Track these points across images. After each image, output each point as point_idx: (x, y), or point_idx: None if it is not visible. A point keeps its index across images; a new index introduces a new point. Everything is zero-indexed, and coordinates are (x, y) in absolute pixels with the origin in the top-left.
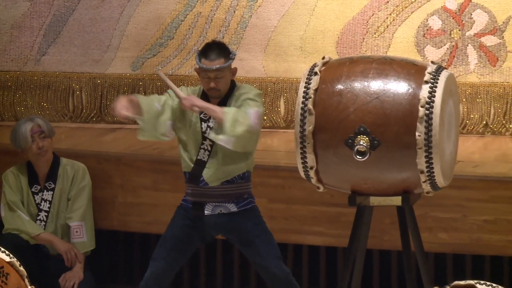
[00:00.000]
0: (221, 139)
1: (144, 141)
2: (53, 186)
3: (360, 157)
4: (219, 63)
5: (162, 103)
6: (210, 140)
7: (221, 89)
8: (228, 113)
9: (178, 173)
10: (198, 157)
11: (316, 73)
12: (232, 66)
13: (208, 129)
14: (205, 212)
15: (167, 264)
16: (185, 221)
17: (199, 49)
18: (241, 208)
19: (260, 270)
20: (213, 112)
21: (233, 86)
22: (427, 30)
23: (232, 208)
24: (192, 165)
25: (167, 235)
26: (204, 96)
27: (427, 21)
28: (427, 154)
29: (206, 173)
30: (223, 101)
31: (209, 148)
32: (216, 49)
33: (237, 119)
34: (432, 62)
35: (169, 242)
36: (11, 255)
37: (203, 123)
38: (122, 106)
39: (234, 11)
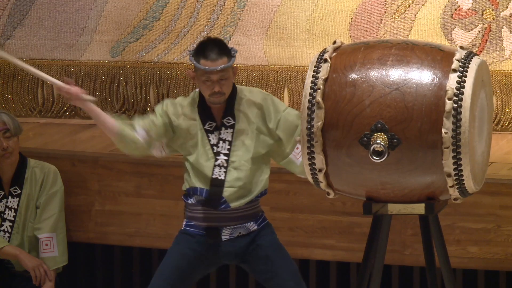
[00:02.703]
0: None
1: None
2: (19, 191)
3: (377, 158)
4: (222, 62)
5: (148, 135)
6: (225, 155)
7: (226, 93)
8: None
9: (166, 176)
10: (214, 176)
11: (326, 60)
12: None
13: (221, 141)
14: (223, 237)
15: None
16: (192, 251)
17: (194, 49)
18: (260, 225)
19: None
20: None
21: (234, 89)
22: (456, 9)
23: (252, 227)
24: (208, 185)
25: (168, 265)
26: (203, 103)
27: None
28: (455, 154)
29: (228, 194)
30: (228, 108)
31: (225, 164)
32: (216, 47)
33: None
34: (461, 48)
35: (171, 274)
36: None
37: (209, 134)
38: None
39: None
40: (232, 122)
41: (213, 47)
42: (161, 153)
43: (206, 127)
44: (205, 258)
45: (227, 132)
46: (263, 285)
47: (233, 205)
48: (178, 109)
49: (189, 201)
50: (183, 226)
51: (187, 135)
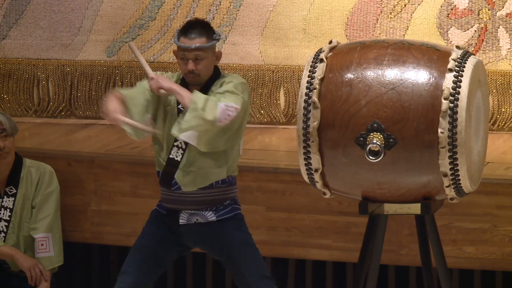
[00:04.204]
0: (183, 134)
1: (121, 139)
2: (14, 191)
3: (373, 158)
4: (199, 42)
5: (147, 96)
6: None
7: (200, 74)
8: (195, 102)
9: None
10: (171, 156)
11: (322, 60)
12: (224, 52)
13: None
14: (180, 221)
15: (137, 279)
16: (160, 228)
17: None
18: (221, 217)
19: None
20: (180, 98)
21: (217, 74)
22: (452, 9)
23: (210, 217)
24: (164, 164)
25: (138, 244)
26: (183, 83)
27: None
28: (451, 154)
29: (179, 176)
30: (203, 90)
31: (183, 146)
32: (198, 27)
33: (204, 108)
34: (457, 47)
35: (141, 252)
36: None
37: (181, 115)
38: (115, 109)
39: None
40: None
41: (195, 26)
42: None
43: (180, 106)
44: (171, 238)
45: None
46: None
47: (185, 188)
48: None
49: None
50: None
51: (163, 109)
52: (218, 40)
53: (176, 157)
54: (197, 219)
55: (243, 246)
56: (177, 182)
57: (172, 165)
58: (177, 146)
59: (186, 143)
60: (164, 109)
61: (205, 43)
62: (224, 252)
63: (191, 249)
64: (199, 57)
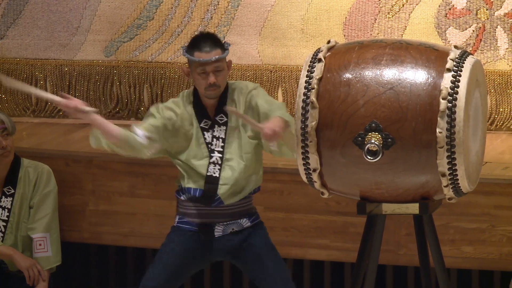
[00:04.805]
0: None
1: None
2: (12, 191)
3: (371, 158)
4: (216, 53)
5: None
6: (219, 152)
7: (220, 86)
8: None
9: (160, 176)
10: (208, 174)
11: (320, 60)
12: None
13: (215, 139)
14: (216, 234)
15: None
16: (185, 247)
17: (186, 44)
18: (254, 221)
19: None
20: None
21: (226, 85)
22: (450, 9)
23: (246, 223)
24: (203, 180)
25: (161, 262)
26: (197, 101)
27: None
28: (449, 154)
29: (222, 191)
30: (220, 105)
31: (219, 162)
32: (210, 39)
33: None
34: (456, 47)
35: (167, 270)
36: None
37: (205, 133)
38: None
39: None
40: (225, 119)
41: (206, 39)
42: (151, 153)
43: (202, 125)
44: (198, 254)
45: (220, 130)
46: (253, 282)
47: (227, 202)
48: (174, 109)
49: (182, 197)
50: (176, 222)
51: (182, 134)
52: (228, 49)
53: (214, 173)
54: (232, 229)
55: (273, 249)
56: (220, 197)
57: (212, 182)
58: (213, 163)
59: (221, 159)
60: (184, 130)
61: (221, 54)
62: (253, 253)
63: (212, 262)
64: (219, 69)
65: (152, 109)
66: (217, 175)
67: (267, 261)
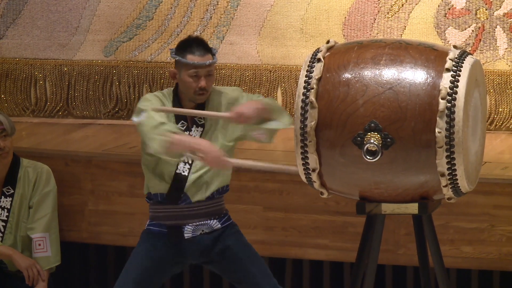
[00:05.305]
0: (287, 124)
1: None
2: (12, 191)
3: (371, 158)
4: (209, 58)
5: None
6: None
7: (209, 90)
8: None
9: None
10: (177, 171)
11: (319, 60)
12: (222, 51)
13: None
14: (185, 235)
15: None
16: (156, 250)
17: (177, 47)
18: (225, 223)
19: None
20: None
21: None
22: (449, 9)
23: (216, 225)
24: (168, 184)
25: (133, 266)
26: (177, 103)
27: None
28: (448, 154)
29: (189, 189)
30: (199, 107)
31: (190, 161)
32: (201, 44)
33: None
34: (455, 47)
35: (137, 274)
36: None
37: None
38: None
39: None
40: (203, 121)
41: (198, 44)
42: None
43: (179, 126)
44: (170, 257)
45: (197, 131)
46: (234, 285)
47: (195, 199)
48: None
49: (151, 201)
50: (146, 226)
51: None
52: (215, 55)
53: (183, 172)
54: (202, 230)
55: (248, 247)
56: (187, 195)
57: (180, 180)
58: (184, 161)
59: (193, 160)
60: None
61: (212, 59)
62: (229, 254)
63: (185, 266)
64: (210, 73)
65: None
66: (186, 174)
67: (245, 260)
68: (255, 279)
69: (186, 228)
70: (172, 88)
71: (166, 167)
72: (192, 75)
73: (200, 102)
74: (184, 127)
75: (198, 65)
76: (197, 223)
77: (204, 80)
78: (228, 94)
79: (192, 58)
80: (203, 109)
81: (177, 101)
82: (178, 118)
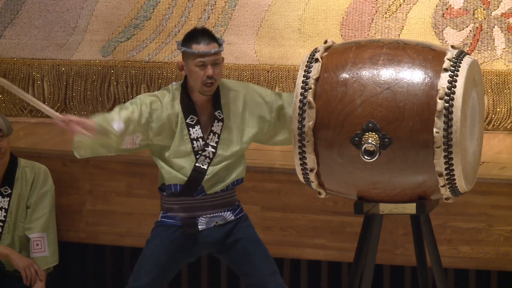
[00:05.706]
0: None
1: None
2: (9, 191)
3: (369, 158)
4: (214, 47)
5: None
6: (212, 147)
7: (217, 80)
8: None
9: (157, 176)
10: (197, 164)
11: (317, 60)
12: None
13: (211, 134)
14: (199, 227)
15: None
16: (170, 242)
17: (183, 38)
18: (238, 215)
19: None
20: None
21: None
22: (447, 9)
23: (229, 216)
24: (185, 177)
25: (148, 259)
26: (185, 97)
27: None
28: (446, 154)
29: (206, 181)
30: (216, 101)
31: (211, 156)
32: (207, 33)
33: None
34: (453, 47)
35: (152, 268)
36: None
37: (191, 129)
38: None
39: None
40: (222, 116)
41: (203, 33)
42: (132, 146)
43: (188, 121)
44: (183, 249)
45: (218, 126)
46: (240, 277)
47: (209, 191)
48: (158, 102)
49: (164, 193)
50: (160, 217)
51: (166, 129)
52: (222, 44)
53: (203, 165)
54: (216, 222)
55: (259, 243)
56: (203, 187)
57: (200, 172)
58: (204, 155)
59: (213, 154)
60: (169, 127)
61: (218, 48)
62: (240, 248)
63: (198, 257)
64: (217, 62)
65: (137, 100)
66: (205, 168)
67: (255, 256)
68: (262, 275)
69: (200, 220)
70: (181, 82)
71: (186, 159)
72: (199, 64)
73: (208, 94)
74: (194, 122)
75: (204, 54)
76: (211, 214)
77: (211, 69)
78: (230, 88)
79: (198, 47)
80: (220, 105)
81: (185, 94)
82: (187, 112)
